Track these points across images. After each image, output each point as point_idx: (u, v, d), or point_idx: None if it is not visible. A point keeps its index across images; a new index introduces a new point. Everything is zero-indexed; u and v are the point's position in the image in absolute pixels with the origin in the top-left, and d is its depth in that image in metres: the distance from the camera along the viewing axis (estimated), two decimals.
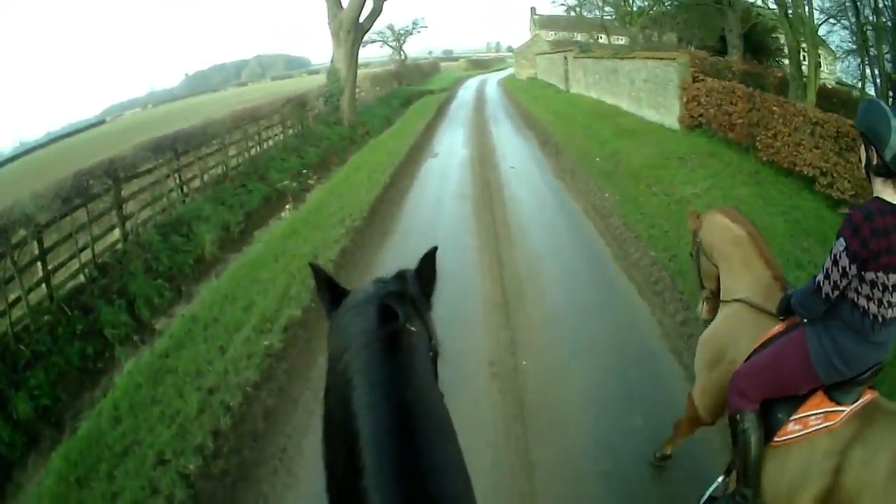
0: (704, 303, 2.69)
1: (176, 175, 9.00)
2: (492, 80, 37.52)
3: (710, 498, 2.30)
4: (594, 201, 7.55)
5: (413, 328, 0.89)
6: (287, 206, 7.95)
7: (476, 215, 7.47)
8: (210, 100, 45.21)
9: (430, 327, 0.97)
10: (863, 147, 1.77)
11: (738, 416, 2.03)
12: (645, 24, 18.01)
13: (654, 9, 17.35)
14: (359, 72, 29.49)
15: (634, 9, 18.43)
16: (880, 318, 1.79)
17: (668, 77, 12.02)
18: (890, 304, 1.77)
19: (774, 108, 8.14)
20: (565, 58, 23.79)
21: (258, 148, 12.25)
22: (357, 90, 21.81)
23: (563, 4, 24.56)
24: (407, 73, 34.86)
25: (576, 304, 4.80)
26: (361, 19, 16.75)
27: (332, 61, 17.08)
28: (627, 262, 5.59)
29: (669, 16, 17.74)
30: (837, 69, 27.27)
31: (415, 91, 27.84)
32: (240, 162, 11.17)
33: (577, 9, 23.88)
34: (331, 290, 1.00)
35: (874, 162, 1.73)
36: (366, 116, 18.30)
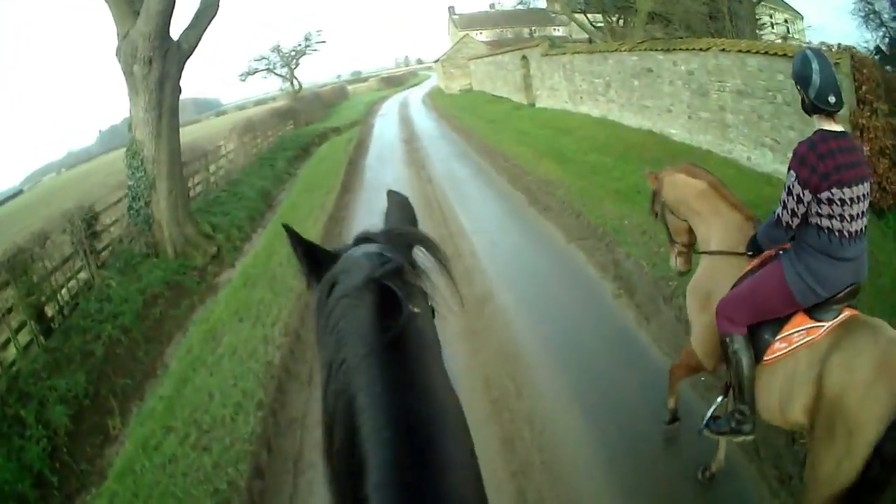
0: (678, 257, 2.85)
1: None
2: (414, 100, 30.04)
3: (712, 417, 2.40)
4: None
5: (416, 309, 0.79)
6: None
7: None
8: (120, 156, 40.30)
9: (426, 284, 0.87)
10: (800, 93, 1.99)
11: (727, 339, 2.20)
12: None
13: None
14: (236, 115, 21.23)
15: None
16: (846, 234, 1.94)
17: None
18: (852, 216, 1.91)
19: None
20: (523, 58, 17.01)
21: None
22: (222, 155, 13.70)
23: None
24: (305, 108, 26.82)
25: None
26: (177, 35, 8.04)
27: (130, 128, 8.30)
28: None
29: None
30: (801, 27, 23.35)
31: (314, 133, 19.97)
32: None
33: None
34: (309, 255, 0.91)
35: (806, 102, 1.98)
36: (223, 206, 10.33)
